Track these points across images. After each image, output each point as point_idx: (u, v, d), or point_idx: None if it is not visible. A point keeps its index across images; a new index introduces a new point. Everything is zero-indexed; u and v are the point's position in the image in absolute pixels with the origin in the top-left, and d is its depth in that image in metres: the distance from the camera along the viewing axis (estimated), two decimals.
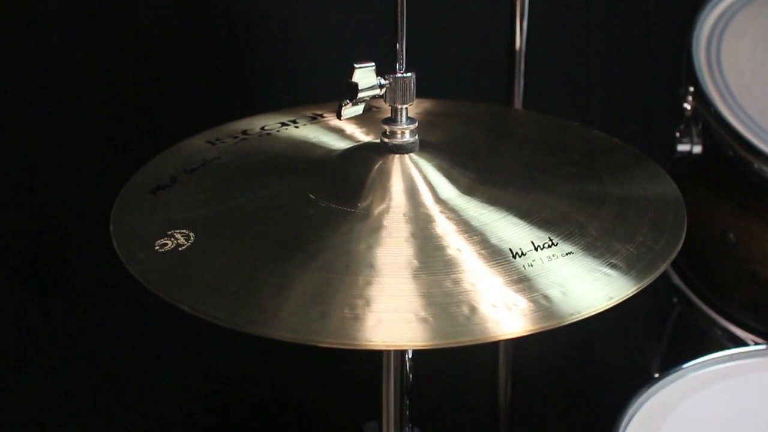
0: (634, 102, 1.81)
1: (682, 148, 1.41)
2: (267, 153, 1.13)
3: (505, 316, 0.91)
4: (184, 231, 0.99)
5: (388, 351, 1.12)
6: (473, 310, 0.91)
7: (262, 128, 1.17)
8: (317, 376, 1.75)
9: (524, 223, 0.99)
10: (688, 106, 1.41)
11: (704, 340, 1.45)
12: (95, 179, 1.59)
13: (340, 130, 1.15)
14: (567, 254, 0.96)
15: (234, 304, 0.92)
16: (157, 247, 0.98)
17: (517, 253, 0.96)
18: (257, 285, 0.93)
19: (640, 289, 0.96)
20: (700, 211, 1.38)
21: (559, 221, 1.00)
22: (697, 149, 1.41)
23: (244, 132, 1.17)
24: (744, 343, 1.40)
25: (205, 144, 1.15)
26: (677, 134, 1.42)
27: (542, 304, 0.92)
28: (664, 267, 0.98)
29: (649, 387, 1.19)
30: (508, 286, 0.93)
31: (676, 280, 1.49)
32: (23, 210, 1.61)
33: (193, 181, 1.08)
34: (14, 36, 1.53)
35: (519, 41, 1.36)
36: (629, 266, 0.97)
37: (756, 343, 1.39)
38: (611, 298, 0.93)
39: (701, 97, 1.40)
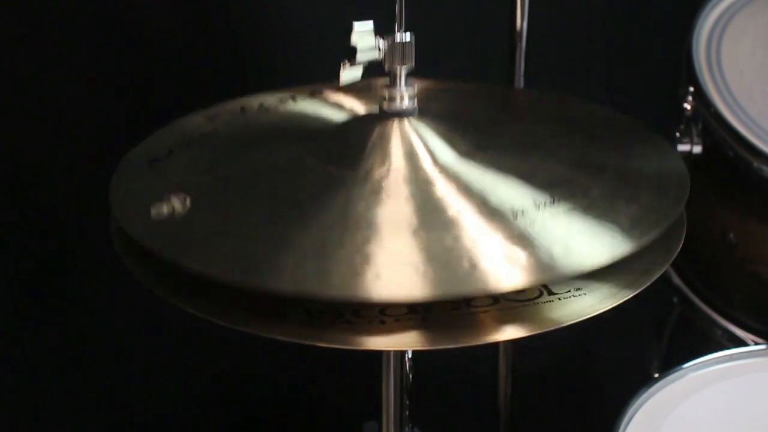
0: (634, 102, 1.80)
1: (682, 148, 1.41)
2: (266, 125, 1.13)
3: (506, 269, 0.90)
4: (181, 196, 0.99)
5: (388, 351, 1.12)
6: (474, 265, 0.90)
7: (260, 105, 1.17)
8: (317, 376, 1.75)
9: (525, 185, 0.99)
10: (688, 106, 1.41)
11: (704, 340, 1.45)
12: (92, 164, 1.58)
13: (339, 105, 1.15)
14: (569, 212, 0.96)
15: (233, 262, 0.91)
16: (154, 213, 0.98)
17: (518, 211, 0.95)
18: (256, 244, 0.93)
19: (643, 245, 0.94)
20: (700, 211, 1.38)
21: (560, 183, 1.00)
22: (697, 149, 1.41)
23: (242, 109, 1.17)
24: (744, 343, 1.40)
25: (203, 119, 1.15)
26: (677, 134, 1.42)
27: (543, 260, 0.91)
28: (669, 257, 0.98)
29: (649, 387, 1.18)
30: (509, 241, 0.92)
31: (676, 280, 1.49)
32: (21, 199, 1.61)
33: (191, 152, 1.08)
34: (10, 19, 1.53)
35: (519, 27, 1.35)
36: (632, 225, 0.96)
37: (756, 343, 1.39)
38: (613, 257, 0.92)
39: (701, 97, 1.40)
